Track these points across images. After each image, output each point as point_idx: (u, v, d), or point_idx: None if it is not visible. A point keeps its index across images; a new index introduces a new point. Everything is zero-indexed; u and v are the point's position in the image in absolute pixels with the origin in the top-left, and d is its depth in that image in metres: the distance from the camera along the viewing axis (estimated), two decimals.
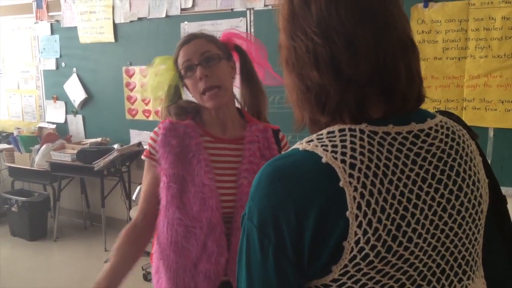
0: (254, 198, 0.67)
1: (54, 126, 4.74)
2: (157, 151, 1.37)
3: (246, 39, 1.47)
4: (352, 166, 0.64)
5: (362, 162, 0.64)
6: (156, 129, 1.41)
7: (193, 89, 1.37)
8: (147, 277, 3.46)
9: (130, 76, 4.26)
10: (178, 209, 1.32)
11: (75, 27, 4.48)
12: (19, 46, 4.95)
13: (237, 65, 1.45)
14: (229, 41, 1.45)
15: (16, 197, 4.42)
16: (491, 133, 2.91)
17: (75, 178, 4.62)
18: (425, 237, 0.67)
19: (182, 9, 3.88)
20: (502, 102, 2.86)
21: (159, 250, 1.39)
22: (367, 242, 0.63)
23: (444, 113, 0.82)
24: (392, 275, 0.65)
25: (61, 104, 4.73)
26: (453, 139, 0.74)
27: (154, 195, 1.38)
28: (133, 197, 4.07)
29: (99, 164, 3.92)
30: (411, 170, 0.67)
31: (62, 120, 4.75)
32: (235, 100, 1.48)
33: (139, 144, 4.13)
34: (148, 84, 1.47)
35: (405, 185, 0.66)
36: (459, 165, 0.72)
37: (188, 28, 3.84)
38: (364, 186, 0.63)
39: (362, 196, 0.63)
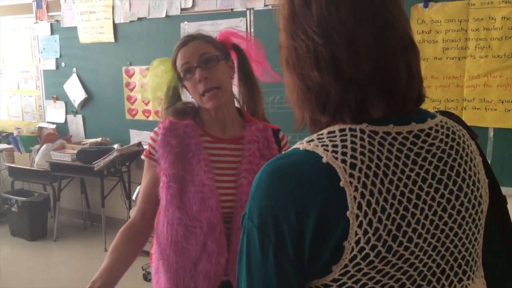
0: (255, 198, 0.67)
1: (54, 126, 4.74)
2: (157, 151, 1.37)
3: (243, 37, 1.47)
4: (353, 166, 0.64)
5: (362, 162, 0.64)
6: (156, 129, 1.41)
7: (193, 90, 1.38)
8: (147, 277, 3.46)
9: (130, 76, 4.26)
10: (178, 208, 1.32)
11: (75, 27, 4.48)
12: (19, 46, 4.95)
13: (235, 63, 1.46)
14: (227, 40, 1.45)
15: (16, 197, 4.42)
16: (491, 133, 2.91)
17: (75, 178, 4.63)
18: (425, 237, 0.67)
19: (182, 9, 3.88)
20: (502, 102, 2.86)
21: (158, 250, 1.39)
22: (368, 242, 0.63)
23: (444, 113, 0.82)
24: (392, 275, 0.65)
25: (61, 104, 4.73)
26: (453, 139, 0.74)
27: (153, 195, 1.38)
28: (133, 197, 4.07)
29: (99, 164, 3.92)
30: (412, 170, 0.67)
31: (62, 120, 4.75)
32: (235, 100, 1.48)
33: (139, 144, 4.13)
34: (147, 85, 1.48)
35: (406, 185, 0.66)
36: (459, 165, 0.72)
37: (188, 28, 3.84)
38: (364, 186, 0.63)
39: (362, 196, 0.63)
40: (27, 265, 3.94)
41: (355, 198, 0.63)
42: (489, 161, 2.53)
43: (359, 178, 0.63)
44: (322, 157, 0.65)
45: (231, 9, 3.67)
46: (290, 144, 1.45)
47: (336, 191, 0.63)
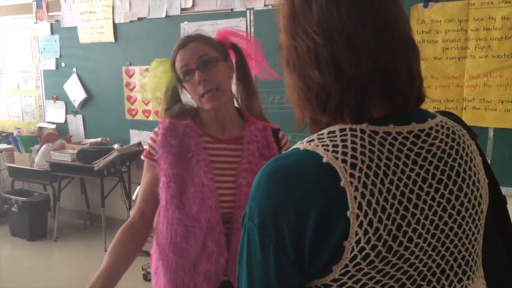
0: (255, 198, 0.67)
1: (54, 126, 4.74)
2: (157, 151, 1.37)
3: (241, 36, 1.47)
4: (353, 166, 0.64)
5: (363, 162, 0.65)
6: (156, 129, 1.41)
7: (192, 92, 1.38)
8: (147, 277, 3.46)
9: (130, 76, 4.26)
10: (177, 209, 1.32)
11: (75, 27, 4.48)
12: (19, 46, 4.95)
13: (234, 62, 1.46)
14: (225, 39, 1.45)
15: (16, 197, 4.42)
16: (491, 133, 2.91)
17: (75, 178, 4.63)
18: (425, 237, 0.67)
19: (182, 9, 3.88)
20: (502, 102, 2.86)
21: (158, 251, 1.39)
22: (368, 242, 0.63)
23: (444, 113, 0.82)
24: (392, 275, 0.65)
25: (61, 104, 4.73)
26: (453, 139, 0.74)
27: (153, 195, 1.38)
28: (133, 197, 4.07)
29: (99, 164, 3.93)
30: (412, 170, 0.67)
31: (62, 120, 4.75)
32: (234, 100, 1.48)
33: (139, 144, 4.13)
34: (147, 85, 1.48)
35: (406, 185, 0.66)
36: (459, 165, 0.72)
37: (188, 28, 3.84)
38: (365, 186, 0.63)
39: (363, 196, 0.63)
40: (27, 265, 3.94)
41: (355, 198, 0.63)
42: (489, 161, 2.53)
43: (359, 178, 0.64)
44: (322, 157, 0.65)
45: (231, 9, 3.67)
46: (290, 144, 1.45)
47: (336, 191, 0.63)
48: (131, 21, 4.16)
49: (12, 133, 4.84)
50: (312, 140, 0.68)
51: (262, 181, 0.67)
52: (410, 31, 0.71)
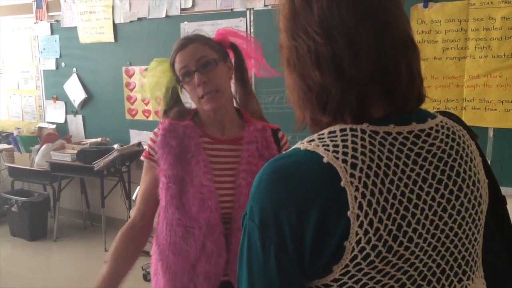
0: (255, 198, 0.67)
1: (54, 126, 4.74)
2: (156, 152, 1.37)
3: (241, 36, 1.47)
4: (354, 166, 0.64)
5: (363, 162, 0.65)
6: (155, 130, 1.41)
7: (192, 93, 1.38)
8: (147, 277, 3.46)
9: (130, 76, 4.26)
10: (177, 209, 1.32)
11: (75, 27, 4.48)
12: (19, 46, 4.95)
13: (233, 61, 1.46)
14: (224, 39, 1.45)
15: (16, 197, 4.42)
16: (490, 133, 2.91)
17: (75, 178, 4.63)
18: (425, 237, 0.67)
19: (182, 9, 3.88)
20: (502, 102, 2.86)
21: (158, 251, 1.39)
22: (368, 242, 0.63)
23: (444, 113, 0.82)
24: (392, 275, 0.65)
25: (61, 104, 4.74)
26: (453, 139, 0.74)
27: (153, 196, 1.38)
28: (133, 197, 4.07)
29: (99, 164, 3.93)
30: (412, 170, 0.67)
31: (62, 120, 4.75)
32: (234, 101, 1.48)
33: (139, 144, 4.14)
34: (146, 84, 1.48)
35: (406, 185, 0.66)
36: (459, 165, 0.72)
37: (188, 28, 3.84)
38: (365, 186, 0.64)
39: (363, 196, 0.63)
40: (27, 265, 3.94)
41: (356, 198, 0.63)
42: (489, 161, 2.53)
43: (360, 178, 0.64)
44: (323, 157, 0.65)
45: (231, 9, 3.67)
46: (290, 144, 1.45)
47: (337, 191, 0.63)
48: (131, 21, 4.16)
49: (12, 133, 4.84)
50: (313, 140, 0.68)
51: (263, 181, 0.67)
52: (410, 31, 0.71)
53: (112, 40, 4.28)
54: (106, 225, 4.16)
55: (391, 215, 0.64)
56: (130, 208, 4.06)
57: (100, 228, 4.29)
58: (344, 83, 0.67)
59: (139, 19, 4.12)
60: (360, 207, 0.63)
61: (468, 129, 0.82)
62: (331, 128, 0.69)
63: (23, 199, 4.39)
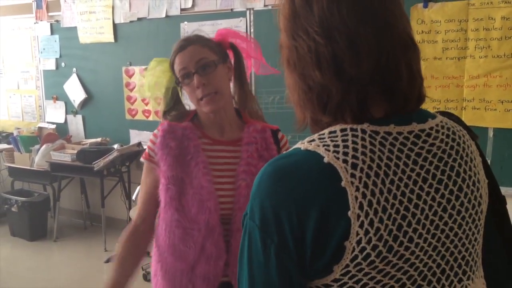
0: (256, 197, 0.67)
1: (54, 126, 4.74)
2: (156, 153, 1.37)
3: (240, 36, 1.47)
4: (354, 166, 0.64)
5: (364, 162, 0.65)
6: (155, 131, 1.41)
7: (191, 95, 1.38)
8: (146, 277, 3.46)
9: (130, 76, 4.26)
10: (176, 211, 1.32)
11: (75, 27, 4.48)
12: (19, 46, 4.95)
13: (233, 62, 1.46)
14: (224, 39, 1.45)
15: (16, 197, 4.42)
16: (490, 133, 2.91)
17: (75, 178, 4.63)
18: (426, 237, 0.67)
19: (182, 9, 3.88)
20: (502, 102, 2.86)
21: (157, 253, 1.39)
22: (369, 242, 0.63)
23: (444, 113, 0.82)
24: (393, 275, 0.65)
25: (61, 104, 4.74)
26: (453, 140, 0.74)
27: (154, 198, 1.38)
28: (133, 197, 4.07)
29: (99, 164, 3.93)
30: (412, 170, 0.67)
31: (62, 120, 4.75)
32: (233, 102, 1.48)
33: (139, 144, 4.14)
34: (145, 83, 1.48)
35: (406, 185, 0.66)
36: (460, 165, 0.73)
37: (188, 28, 3.84)
38: (366, 186, 0.64)
39: (364, 196, 0.63)
40: (27, 265, 3.94)
41: (356, 198, 0.63)
42: (489, 161, 2.53)
43: (360, 178, 0.64)
44: (323, 157, 0.65)
45: (231, 9, 3.68)
46: (290, 144, 1.44)
47: (337, 191, 0.63)
48: (131, 21, 4.16)
49: (12, 133, 4.84)
50: (313, 140, 0.68)
51: (263, 181, 0.67)
52: (410, 30, 0.71)
53: (112, 40, 4.28)
54: (106, 225, 4.16)
55: (392, 215, 0.64)
56: (130, 208, 4.06)
57: (100, 228, 4.29)
58: (344, 83, 0.67)
59: (139, 19, 4.12)
60: (361, 207, 0.63)
61: (468, 129, 0.82)
62: (332, 128, 0.69)
63: (23, 199, 4.39)
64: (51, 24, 4.66)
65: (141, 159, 1.44)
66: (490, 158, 2.90)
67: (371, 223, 0.63)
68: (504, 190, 0.99)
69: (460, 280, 0.72)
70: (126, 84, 4.28)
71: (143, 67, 4.10)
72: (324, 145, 0.66)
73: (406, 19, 0.72)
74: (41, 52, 4.77)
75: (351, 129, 0.68)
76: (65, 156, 4.21)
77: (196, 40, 1.39)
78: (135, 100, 4.27)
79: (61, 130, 4.71)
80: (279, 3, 0.75)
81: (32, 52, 4.87)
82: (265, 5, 3.53)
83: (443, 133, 0.73)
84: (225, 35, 1.45)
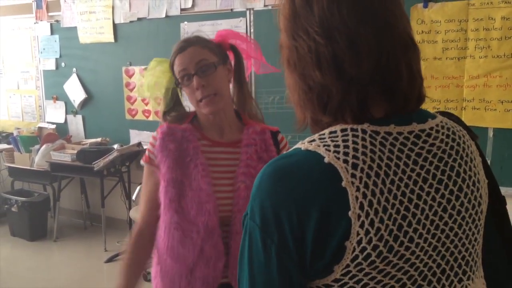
0: (256, 197, 0.67)
1: (54, 126, 4.74)
2: (156, 156, 1.37)
3: (240, 36, 1.47)
4: (355, 166, 0.64)
5: (364, 162, 0.65)
6: (154, 133, 1.41)
7: (190, 96, 1.38)
8: (147, 277, 3.45)
9: (130, 76, 4.26)
10: (176, 213, 1.32)
11: (75, 27, 4.48)
12: (19, 46, 4.95)
13: (233, 63, 1.46)
14: (224, 41, 1.44)
15: (16, 197, 4.42)
16: (490, 133, 2.91)
17: (75, 178, 4.62)
18: (426, 237, 0.67)
19: (182, 9, 3.88)
20: (502, 102, 2.86)
21: (157, 255, 1.39)
22: (369, 242, 0.63)
23: (444, 113, 0.82)
24: (393, 275, 0.65)
25: (61, 104, 4.74)
26: (453, 140, 0.74)
27: (156, 201, 1.38)
28: (133, 197, 4.07)
29: (99, 164, 3.92)
30: (412, 170, 0.67)
31: (62, 120, 4.75)
32: (233, 103, 1.48)
33: (139, 144, 4.13)
34: (144, 83, 1.48)
35: (406, 185, 0.66)
36: (460, 165, 0.73)
37: (188, 28, 3.84)
38: (366, 186, 0.64)
39: (364, 196, 0.63)
40: (27, 265, 3.94)
41: (357, 198, 0.63)
42: (489, 161, 2.53)
43: (361, 178, 0.64)
44: (324, 157, 0.65)
45: (231, 9, 3.68)
46: (290, 144, 1.44)
47: (337, 191, 0.63)
48: (131, 21, 4.16)
49: (12, 133, 4.84)
50: (314, 140, 0.68)
51: (263, 181, 0.67)
52: (411, 31, 0.71)
53: (112, 40, 4.28)
54: (106, 225, 4.15)
55: (392, 215, 0.64)
56: (130, 208, 4.06)
57: (100, 228, 4.29)
58: (344, 83, 0.67)
59: (139, 19, 4.12)
60: (361, 207, 0.63)
61: (468, 129, 0.82)
62: (332, 128, 0.69)
63: (23, 199, 4.39)
64: (51, 24, 4.66)
65: (141, 162, 1.43)
66: (490, 158, 2.90)
67: (371, 223, 0.63)
68: (504, 190, 0.99)
69: (460, 280, 0.72)
70: (126, 84, 4.28)
71: (143, 67, 4.10)
72: (324, 145, 0.66)
73: (406, 19, 0.72)
74: (41, 52, 4.77)
75: (352, 129, 0.68)
76: (65, 156, 4.21)
77: (196, 42, 1.38)
78: (135, 100, 4.27)
79: (61, 130, 4.71)
80: (279, 3, 0.75)
81: (32, 52, 4.87)
82: (265, 5, 3.53)
83: (443, 133, 0.73)
84: (225, 36, 1.45)
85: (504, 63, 2.82)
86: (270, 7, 3.50)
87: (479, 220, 0.75)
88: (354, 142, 0.66)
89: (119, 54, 4.27)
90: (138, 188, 4.00)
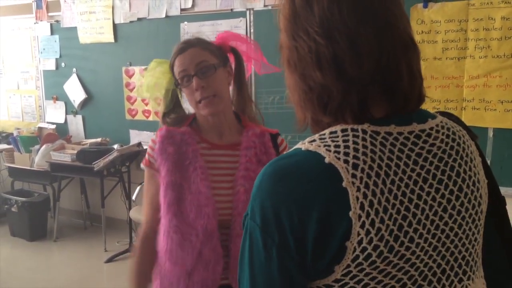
0: (256, 198, 0.67)
1: (54, 126, 4.74)
2: (156, 159, 1.37)
3: (241, 38, 1.47)
4: (355, 167, 0.64)
5: (365, 162, 0.65)
6: (153, 137, 1.40)
7: (190, 98, 1.37)
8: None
9: (130, 77, 4.26)
10: (175, 216, 1.31)
11: (75, 27, 4.48)
12: (19, 46, 4.95)
13: (233, 66, 1.45)
14: (225, 43, 1.44)
15: (16, 197, 4.42)
16: (490, 133, 2.91)
17: (75, 178, 4.62)
18: (426, 237, 0.67)
19: (181, 9, 3.88)
20: (502, 102, 2.86)
21: (158, 257, 1.39)
22: (370, 242, 0.63)
23: (444, 113, 0.82)
24: (393, 275, 0.65)
25: (61, 105, 4.74)
26: (453, 140, 0.74)
27: (158, 204, 1.38)
28: (133, 198, 4.07)
29: (99, 164, 3.92)
30: (413, 170, 0.68)
31: (62, 121, 4.75)
32: (232, 106, 1.47)
33: (139, 144, 4.13)
34: (144, 83, 1.47)
35: (407, 185, 0.66)
36: (460, 165, 0.73)
37: (188, 28, 3.84)
38: (367, 186, 0.64)
39: (365, 196, 0.63)
40: (27, 265, 3.94)
41: (357, 198, 0.63)
42: (489, 162, 2.53)
43: (361, 178, 0.64)
44: (324, 157, 0.65)
45: (231, 10, 3.68)
46: (290, 144, 1.44)
47: (338, 191, 0.63)
48: (131, 21, 4.17)
49: (12, 133, 4.84)
50: (314, 141, 0.68)
51: (264, 181, 0.67)
52: (410, 30, 0.72)
53: (112, 40, 4.28)
54: (106, 225, 4.15)
55: (392, 215, 0.64)
56: (130, 208, 4.06)
57: (100, 228, 4.29)
58: (345, 83, 0.67)
59: (139, 19, 4.12)
60: (362, 207, 0.63)
61: (467, 129, 0.82)
62: (332, 129, 0.69)
63: (23, 199, 4.39)
64: (51, 24, 4.66)
65: (142, 166, 1.43)
66: (490, 158, 2.90)
67: (372, 224, 0.63)
68: (504, 190, 0.99)
69: (460, 280, 0.72)
70: (126, 84, 4.29)
71: (143, 67, 4.10)
72: (325, 146, 0.66)
73: (406, 19, 0.72)
74: (41, 52, 4.77)
75: (352, 130, 0.68)
76: (65, 156, 4.21)
77: (197, 43, 1.38)
78: (135, 100, 4.27)
79: (61, 130, 4.71)
80: (279, 3, 0.75)
81: (32, 52, 4.87)
82: (265, 5, 3.53)
83: (443, 133, 0.73)
84: (226, 39, 1.44)
85: (504, 63, 2.82)
86: (270, 7, 3.50)
87: (479, 220, 0.75)
88: (354, 142, 0.66)
89: (119, 54, 4.27)
90: (138, 188, 4.00)
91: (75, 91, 4.58)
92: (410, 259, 0.66)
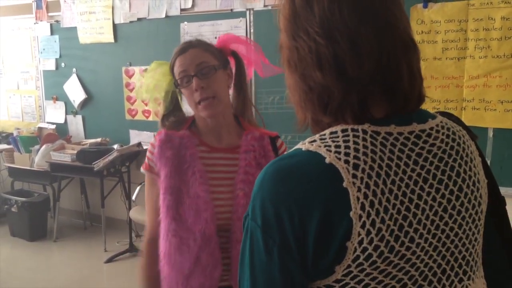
0: (257, 198, 0.67)
1: (53, 126, 4.74)
2: (155, 163, 1.37)
3: (242, 41, 1.47)
4: (356, 167, 0.64)
5: (365, 162, 0.65)
6: (152, 141, 1.40)
7: (189, 98, 1.37)
8: None
9: (130, 77, 4.26)
10: (173, 220, 1.31)
11: (75, 28, 4.48)
12: (19, 46, 4.95)
13: (233, 69, 1.45)
14: (226, 46, 1.44)
15: (16, 198, 4.42)
16: (490, 133, 2.91)
17: (75, 178, 4.63)
18: (426, 237, 0.67)
19: (181, 10, 3.88)
20: (502, 102, 2.86)
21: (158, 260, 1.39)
22: (370, 242, 0.63)
23: (444, 113, 0.82)
24: (394, 275, 0.65)
25: (60, 105, 4.74)
26: (453, 140, 0.74)
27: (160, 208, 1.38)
28: (133, 198, 4.07)
29: (98, 164, 3.92)
30: (413, 170, 0.68)
31: (62, 121, 4.75)
32: (232, 109, 1.47)
33: (139, 144, 4.13)
34: (144, 84, 1.47)
35: (407, 186, 0.66)
36: (460, 165, 0.73)
37: (187, 28, 3.84)
38: (367, 186, 0.64)
39: (365, 196, 0.63)
40: (27, 265, 3.94)
41: (358, 198, 0.63)
42: (489, 162, 2.53)
43: (362, 178, 0.64)
44: (325, 158, 0.65)
45: (231, 10, 3.68)
46: (290, 145, 1.43)
47: (339, 191, 0.63)
48: (131, 22, 4.17)
49: (12, 134, 4.84)
50: (314, 141, 0.68)
51: (264, 181, 0.67)
52: (411, 31, 0.72)
53: (112, 40, 4.28)
54: (106, 226, 4.15)
55: (393, 216, 0.64)
56: (130, 208, 4.06)
57: (100, 228, 4.29)
58: (345, 83, 0.67)
59: (139, 19, 4.12)
60: (363, 207, 0.63)
61: (467, 129, 0.82)
62: (333, 129, 0.69)
63: (23, 199, 4.39)
64: (51, 25, 4.66)
65: (142, 170, 1.43)
66: (490, 158, 2.90)
67: (372, 224, 0.63)
68: (504, 190, 0.99)
69: (460, 280, 0.72)
70: (126, 84, 4.29)
71: (143, 67, 4.10)
72: (325, 146, 0.66)
73: (406, 19, 0.72)
74: (41, 52, 4.77)
75: (352, 130, 0.68)
76: (65, 156, 4.22)
77: (198, 44, 1.38)
78: (135, 101, 4.27)
79: (61, 130, 4.72)
80: (279, 4, 0.75)
81: (32, 52, 4.87)
82: (265, 5, 3.53)
83: (443, 133, 0.73)
84: (227, 42, 1.44)
85: (504, 63, 2.82)
86: (270, 7, 3.50)
87: (479, 220, 0.75)
88: (355, 143, 0.66)
89: (119, 54, 4.27)
90: (138, 188, 4.00)
91: (75, 91, 4.58)
92: (410, 259, 0.66)
